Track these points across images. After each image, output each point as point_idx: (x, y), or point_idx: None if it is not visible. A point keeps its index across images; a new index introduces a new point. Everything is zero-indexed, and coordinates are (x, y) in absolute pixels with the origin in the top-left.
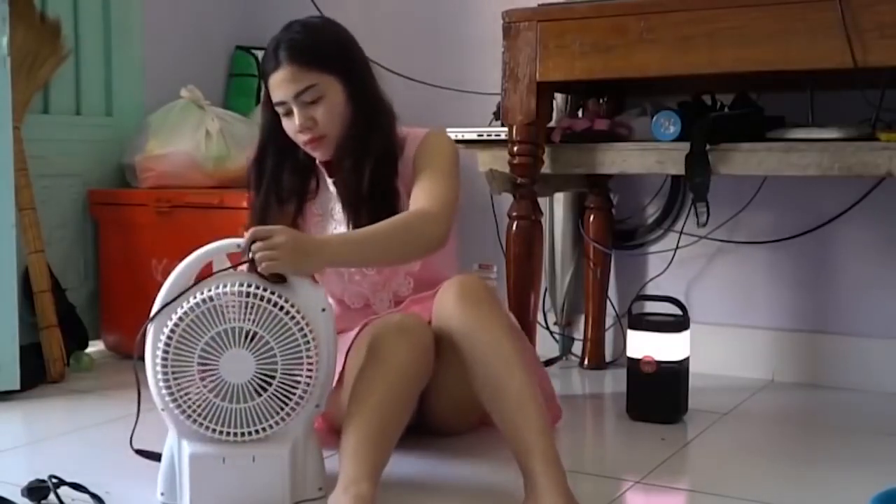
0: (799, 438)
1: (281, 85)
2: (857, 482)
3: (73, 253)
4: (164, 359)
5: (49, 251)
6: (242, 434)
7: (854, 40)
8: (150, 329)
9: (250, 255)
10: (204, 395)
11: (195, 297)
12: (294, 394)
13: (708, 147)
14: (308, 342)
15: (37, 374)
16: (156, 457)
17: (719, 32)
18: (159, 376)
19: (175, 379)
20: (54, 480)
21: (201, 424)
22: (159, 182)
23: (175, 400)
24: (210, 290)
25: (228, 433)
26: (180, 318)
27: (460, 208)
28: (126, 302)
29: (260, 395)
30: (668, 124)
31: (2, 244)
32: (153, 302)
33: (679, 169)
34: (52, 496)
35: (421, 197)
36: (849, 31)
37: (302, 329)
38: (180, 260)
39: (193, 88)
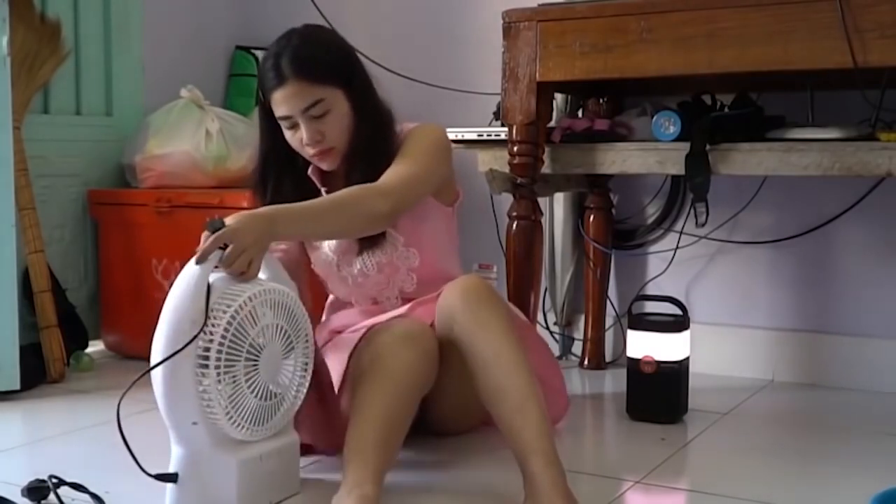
0: (799, 438)
1: (287, 100)
2: (857, 482)
3: (73, 253)
4: (217, 372)
5: (49, 251)
6: (275, 428)
7: (854, 40)
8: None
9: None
10: (249, 399)
11: (235, 302)
12: (306, 377)
13: (708, 147)
14: (309, 323)
15: (37, 374)
16: (174, 478)
17: (719, 32)
18: (210, 393)
19: (229, 389)
20: (54, 480)
21: (244, 428)
22: (159, 182)
23: (227, 413)
24: (247, 293)
25: (266, 431)
26: (226, 326)
27: (460, 207)
28: (126, 302)
29: (282, 387)
30: (668, 124)
31: (2, 244)
32: (154, 302)
33: (679, 169)
34: (52, 496)
35: (382, 177)
36: (849, 31)
37: (303, 314)
38: (180, 260)
39: (193, 88)
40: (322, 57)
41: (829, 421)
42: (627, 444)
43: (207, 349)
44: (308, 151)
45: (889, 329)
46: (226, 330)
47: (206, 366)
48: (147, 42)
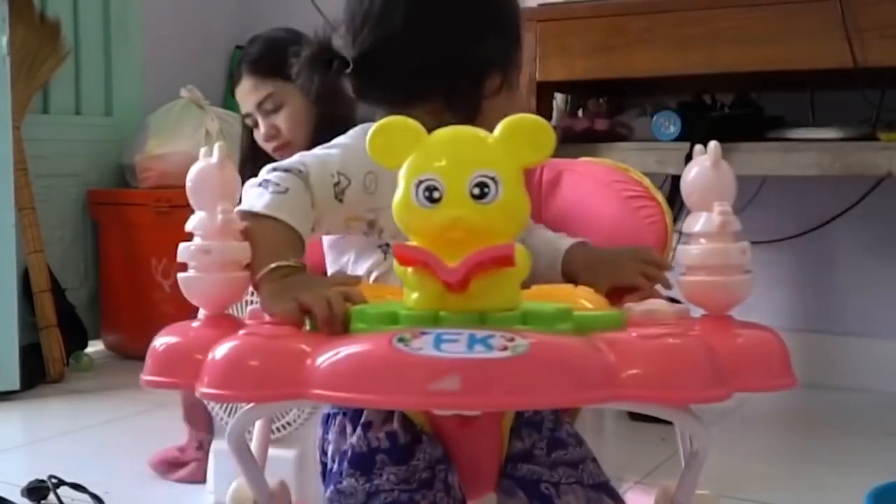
0: (799, 438)
1: (243, 96)
2: (856, 482)
3: (73, 253)
4: None
5: (49, 251)
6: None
7: (854, 40)
8: None
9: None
10: None
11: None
12: None
13: None
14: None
15: (37, 374)
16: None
17: (719, 32)
18: None
19: None
20: (54, 480)
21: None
22: (159, 182)
23: None
24: None
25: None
26: None
27: None
28: (126, 302)
29: None
30: (668, 124)
31: (2, 244)
32: (154, 302)
33: (679, 169)
34: (52, 496)
35: None
36: (849, 31)
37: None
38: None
39: (193, 88)
40: (273, 55)
41: (829, 421)
42: (627, 444)
43: None
44: (268, 147)
45: (889, 329)
46: None
47: None
48: (147, 42)
